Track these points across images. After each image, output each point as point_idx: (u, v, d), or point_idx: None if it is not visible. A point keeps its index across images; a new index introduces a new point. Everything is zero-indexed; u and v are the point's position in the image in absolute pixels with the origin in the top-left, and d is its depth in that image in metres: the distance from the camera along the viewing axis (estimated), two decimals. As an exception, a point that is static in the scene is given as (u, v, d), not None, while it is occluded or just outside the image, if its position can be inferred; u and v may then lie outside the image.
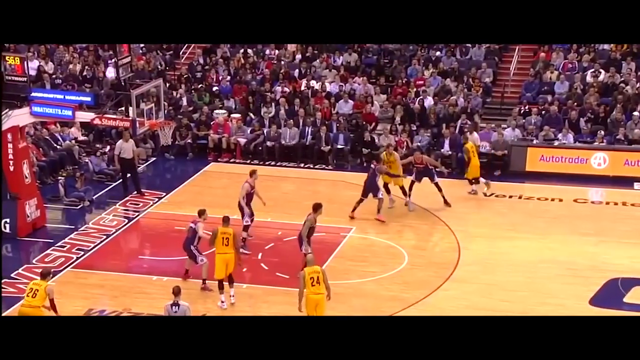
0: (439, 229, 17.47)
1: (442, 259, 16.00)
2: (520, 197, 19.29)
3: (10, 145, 16.42)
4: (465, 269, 15.53)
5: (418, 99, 22.91)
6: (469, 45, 25.10)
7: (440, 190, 18.32)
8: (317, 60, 25.21)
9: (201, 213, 14.45)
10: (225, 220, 14.00)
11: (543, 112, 22.15)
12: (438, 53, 25.06)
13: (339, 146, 21.59)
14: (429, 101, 22.89)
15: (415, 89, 23.38)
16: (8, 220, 16.41)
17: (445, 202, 18.38)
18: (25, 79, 17.06)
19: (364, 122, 22.36)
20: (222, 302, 13.85)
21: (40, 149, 20.28)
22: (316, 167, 21.33)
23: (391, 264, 15.76)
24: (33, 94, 17.34)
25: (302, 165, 21.40)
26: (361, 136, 21.61)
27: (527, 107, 22.47)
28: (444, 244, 16.78)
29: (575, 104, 22.27)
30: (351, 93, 23.43)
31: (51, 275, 12.90)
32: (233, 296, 14.02)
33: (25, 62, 17.08)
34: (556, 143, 21.01)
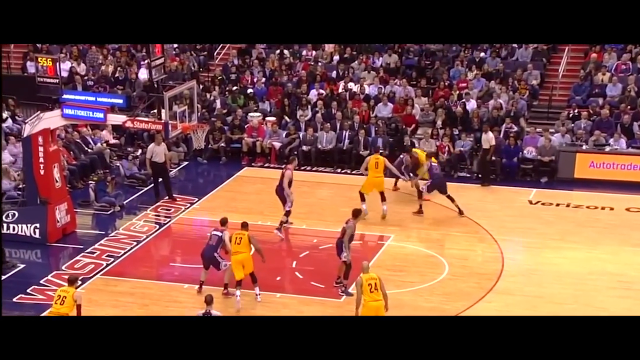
0: (481, 237, 17.32)
1: (484, 270, 15.85)
2: (568, 206, 19.03)
3: (40, 149, 16.66)
4: (509, 280, 15.37)
5: (460, 101, 22.75)
6: (515, 45, 24.86)
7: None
8: (356, 62, 25.20)
9: (225, 222, 14.72)
10: (244, 225, 14.47)
11: (593, 116, 21.84)
12: (482, 54, 24.88)
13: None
14: (471, 104, 22.72)
15: (457, 92, 23.21)
16: (38, 225, 16.66)
17: (419, 210, 18.31)
18: (57, 80, 17.33)
19: (404, 126, 22.28)
20: (238, 297, 14.05)
21: (71, 152, 20.56)
22: (353, 172, 21.29)
23: (431, 274, 15.66)
24: (64, 96, 17.62)
25: (339, 170, 21.40)
26: (401, 140, 21.52)
27: (576, 111, 22.17)
28: (487, 253, 16.62)
29: (629, 107, 21.91)
30: (391, 95, 23.36)
31: (79, 282, 13.07)
32: (259, 294, 14.31)
33: (57, 64, 17.34)
34: (607, 149, 20.69)
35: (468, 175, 21.08)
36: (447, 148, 21.11)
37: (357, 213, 15.06)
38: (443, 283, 15.32)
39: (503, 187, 20.15)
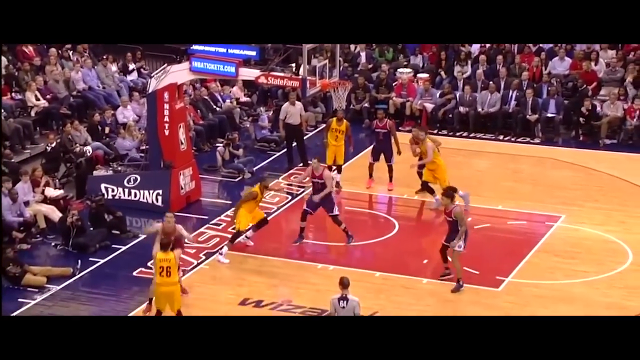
0: (675, 222, 16.71)
1: (678, 261, 15.27)
2: None
3: (166, 106, 17.25)
4: None
5: (660, 55, 21.89)
6: None
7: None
8: (528, 7, 24.49)
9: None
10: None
11: None
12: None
13: (549, 115, 21.02)
14: (676, 57, 21.78)
15: (656, 42, 22.29)
16: (161, 191, 17.36)
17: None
18: (187, 28, 17.79)
19: (584, 85, 21.52)
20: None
21: (199, 110, 21.21)
22: (519, 140, 20.90)
23: (610, 263, 15.26)
24: (193, 47, 18.12)
25: (501, 137, 21.10)
26: (579, 103, 20.83)
27: None
28: (682, 241, 15.99)
29: None
30: (569, 48, 22.65)
31: (171, 246, 13.20)
32: None
33: (187, 10, 17.75)
34: None
35: (664, 147, 20.30)
36: (638, 112, 20.30)
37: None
38: (625, 275, 14.92)
39: None
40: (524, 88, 21.39)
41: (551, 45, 22.90)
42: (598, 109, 20.80)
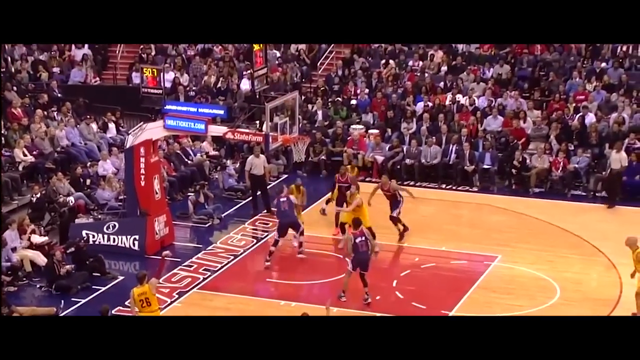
0: (597, 261, 16.85)
1: (600, 295, 15.45)
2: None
3: (142, 160, 17.24)
4: (627, 308, 14.82)
5: (578, 115, 22.19)
6: (640, 55, 24.10)
7: (395, 223, 17.58)
8: (465, 72, 24.97)
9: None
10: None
11: None
12: (603, 64, 24.19)
13: (485, 166, 21.27)
14: (590, 118, 22.10)
15: (574, 105, 22.67)
16: (137, 237, 17.25)
17: (401, 234, 17.63)
18: (160, 91, 17.91)
19: (515, 140, 21.89)
20: None
21: (172, 163, 21.17)
22: (459, 188, 21.09)
23: (540, 297, 15.38)
24: (167, 107, 18.19)
25: (443, 186, 21.26)
26: (511, 156, 21.16)
27: None
28: (604, 278, 16.17)
29: None
30: (500, 108, 23.01)
31: (146, 278, 13.13)
32: None
33: (162, 75, 17.91)
34: None
35: (583, 193, 20.54)
36: (561, 164, 20.62)
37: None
38: (554, 307, 15.03)
39: (625, 208, 19.49)
40: (463, 142, 21.68)
41: (485, 105, 23.32)
42: (527, 161, 21.07)
